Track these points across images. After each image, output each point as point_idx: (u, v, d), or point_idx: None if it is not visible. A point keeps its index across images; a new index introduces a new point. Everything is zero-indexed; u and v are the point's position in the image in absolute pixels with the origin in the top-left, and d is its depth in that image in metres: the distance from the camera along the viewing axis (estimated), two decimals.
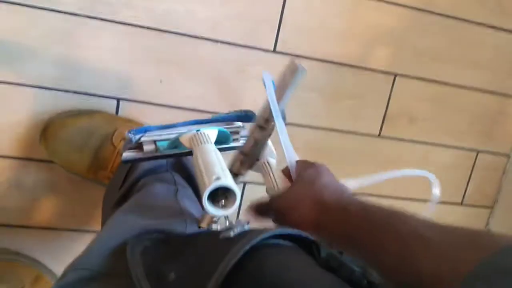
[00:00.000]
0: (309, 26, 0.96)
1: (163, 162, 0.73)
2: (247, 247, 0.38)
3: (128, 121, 0.86)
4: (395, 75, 1.03)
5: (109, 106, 0.88)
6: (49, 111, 0.85)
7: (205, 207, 0.45)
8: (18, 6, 0.81)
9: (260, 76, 0.56)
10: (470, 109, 1.11)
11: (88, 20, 0.84)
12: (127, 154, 0.61)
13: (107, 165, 0.82)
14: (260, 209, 0.53)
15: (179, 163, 0.74)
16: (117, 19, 0.85)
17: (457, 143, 1.13)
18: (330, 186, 0.49)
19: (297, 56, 0.96)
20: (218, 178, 0.45)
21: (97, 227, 0.94)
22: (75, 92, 0.86)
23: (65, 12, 0.83)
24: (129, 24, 0.86)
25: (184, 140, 0.59)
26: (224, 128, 0.64)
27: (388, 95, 1.04)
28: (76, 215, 0.93)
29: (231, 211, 0.46)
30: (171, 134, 0.61)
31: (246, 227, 0.44)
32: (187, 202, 0.62)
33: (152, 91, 0.90)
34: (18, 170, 0.88)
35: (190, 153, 0.59)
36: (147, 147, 0.61)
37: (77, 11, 0.83)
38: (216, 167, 0.48)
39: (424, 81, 1.05)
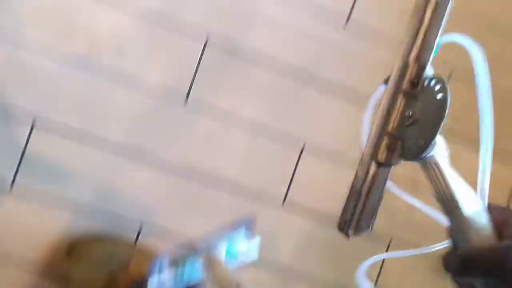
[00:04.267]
0: (318, 185, 1.09)
1: None
2: None
3: (146, 250, 0.96)
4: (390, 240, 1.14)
5: (132, 232, 0.99)
6: (78, 230, 0.96)
7: None
8: (72, 136, 0.96)
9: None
10: None
11: (130, 155, 0.98)
12: None
13: None
14: (451, 265, 0.38)
15: None
16: (155, 159, 0.99)
17: None
18: None
19: (305, 209, 1.08)
20: None
21: None
22: (104, 216, 0.98)
23: (110, 147, 0.97)
24: (165, 166, 1.00)
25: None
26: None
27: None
28: None
29: None
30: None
31: None
32: None
33: (173, 224, 1.01)
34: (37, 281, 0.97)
35: None
36: None
37: (123, 145, 0.98)
38: None
39: None
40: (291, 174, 1.07)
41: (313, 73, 1.06)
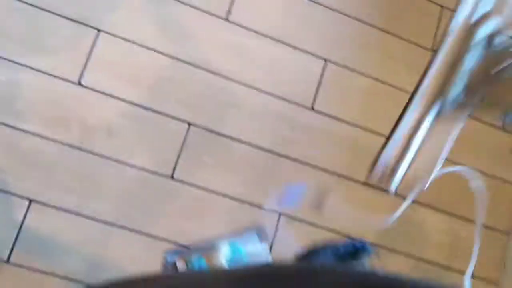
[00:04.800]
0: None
1: None
2: None
3: None
4: None
5: None
6: None
7: None
8: (66, 213, 1.04)
9: None
10: None
11: (120, 229, 1.06)
12: None
13: None
14: None
15: None
16: (143, 230, 1.07)
17: None
18: None
19: None
20: None
21: None
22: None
23: (102, 221, 1.05)
24: (153, 238, 1.08)
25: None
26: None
27: None
28: None
29: None
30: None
31: None
32: None
33: None
34: None
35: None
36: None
37: (113, 220, 1.06)
38: None
39: None
40: (271, 240, 1.16)
41: (285, 151, 1.18)
